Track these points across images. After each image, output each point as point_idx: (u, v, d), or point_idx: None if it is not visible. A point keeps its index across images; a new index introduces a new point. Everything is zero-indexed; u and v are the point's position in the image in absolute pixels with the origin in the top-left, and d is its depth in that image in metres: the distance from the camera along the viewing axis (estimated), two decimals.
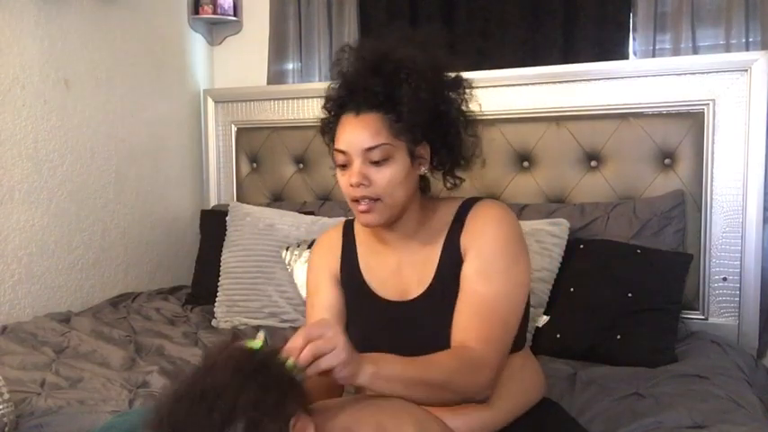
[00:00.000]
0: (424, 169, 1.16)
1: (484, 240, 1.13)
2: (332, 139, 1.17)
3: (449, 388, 1.02)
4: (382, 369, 0.96)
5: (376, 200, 1.10)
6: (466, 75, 1.18)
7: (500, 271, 1.11)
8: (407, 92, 1.08)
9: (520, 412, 1.14)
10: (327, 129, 1.19)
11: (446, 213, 1.19)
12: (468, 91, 1.17)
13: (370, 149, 1.09)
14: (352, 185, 1.10)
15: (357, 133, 1.10)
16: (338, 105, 1.15)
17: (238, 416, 0.78)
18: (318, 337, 0.89)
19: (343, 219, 1.36)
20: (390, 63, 1.09)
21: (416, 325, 1.15)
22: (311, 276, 1.28)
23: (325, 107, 1.20)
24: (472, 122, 1.18)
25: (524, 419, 1.14)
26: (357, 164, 1.10)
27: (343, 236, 1.28)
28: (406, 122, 1.09)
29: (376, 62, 1.10)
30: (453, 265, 1.14)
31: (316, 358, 0.88)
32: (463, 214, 1.17)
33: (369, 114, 1.10)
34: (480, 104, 1.20)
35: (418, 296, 1.16)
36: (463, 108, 1.17)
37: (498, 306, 1.09)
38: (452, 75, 1.16)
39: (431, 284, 1.15)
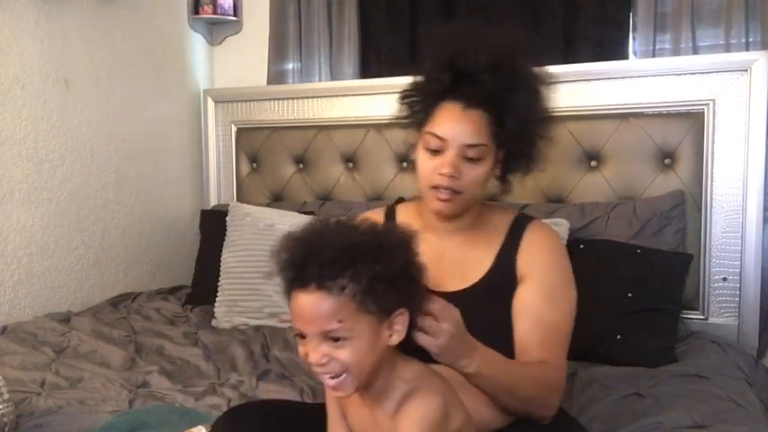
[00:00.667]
0: (497, 172, 1.19)
1: (547, 269, 1.17)
2: (419, 119, 1.17)
3: (531, 402, 1.09)
4: (484, 369, 1.01)
5: (458, 192, 1.13)
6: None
7: (564, 297, 1.16)
8: (519, 102, 1.10)
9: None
10: (418, 105, 1.18)
11: (501, 223, 1.22)
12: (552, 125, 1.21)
13: (469, 146, 1.11)
14: (442, 174, 1.11)
15: (462, 127, 1.11)
16: (441, 89, 1.14)
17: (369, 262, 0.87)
18: (432, 312, 0.93)
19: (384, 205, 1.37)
20: (508, 67, 1.10)
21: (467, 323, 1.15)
22: None
23: (420, 85, 1.19)
24: (549, 121, 1.20)
25: (526, 419, 1.14)
26: (452, 155, 1.11)
27: (386, 220, 1.27)
28: (507, 129, 1.11)
29: (494, 62, 1.10)
30: (506, 279, 1.17)
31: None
32: (518, 232, 1.20)
33: (476, 111, 1.11)
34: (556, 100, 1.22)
35: (458, 291, 1.16)
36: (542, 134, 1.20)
37: (564, 331, 1.15)
38: (548, 82, 1.18)
39: (475, 285, 1.17)
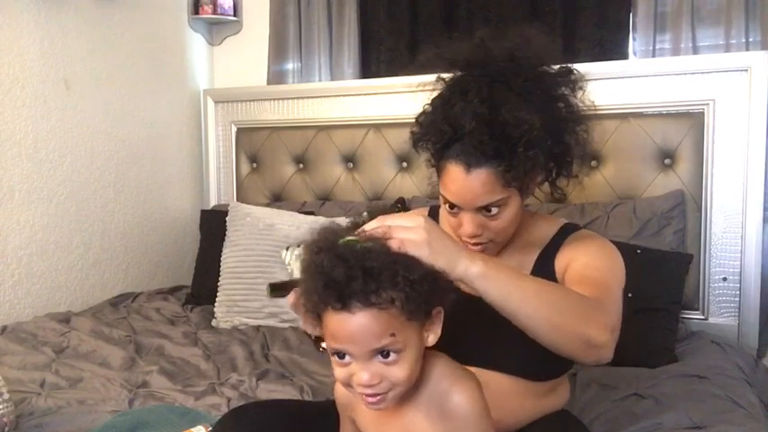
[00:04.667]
0: (533, 193, 1.13)
1: (587, 248, 1.10)
2: (431, 163, 1.12)
3: (570, 310, 0.93)
4: (492, 267, 0.89)
5: (489, 242, 1.09)
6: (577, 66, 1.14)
7: (606, 267, 1.07)
8: (522, 154, 1.01)
9: (535, 419, 1.13)
10: (428, 153, 1.12)
11: (548, 229, 1.17)
12: (580, 86, 1.12)
13: (486, 206, 1.05)
14: (465, 236, 1.07)
15: (471, 191, 1.04)
16: (443, 145, 1.06)
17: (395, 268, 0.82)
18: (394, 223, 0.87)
19: (427, 207, 1.30)
20: (506, 123, 1.01)
21: (496, 323, 1.00)
22: None
23: (426, 128, 1.11)
24: (583, 119, 1.14)
25: (536, 424, 1.13)
26: (468, 218, 1.06)
27: None
28: (519, 173, 1.03)
29: (490, 117, 1.01)
30: (545, 278, 1.05)
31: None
32: (561, 238, 1.15)
33: (481, 170, 1.02)
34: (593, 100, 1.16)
35: None
36: (574, 108, 1.12)
37: (611, 285, 1.04)
38: (564, 79, 1.11)
39: None
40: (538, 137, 1.03)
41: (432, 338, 0.88)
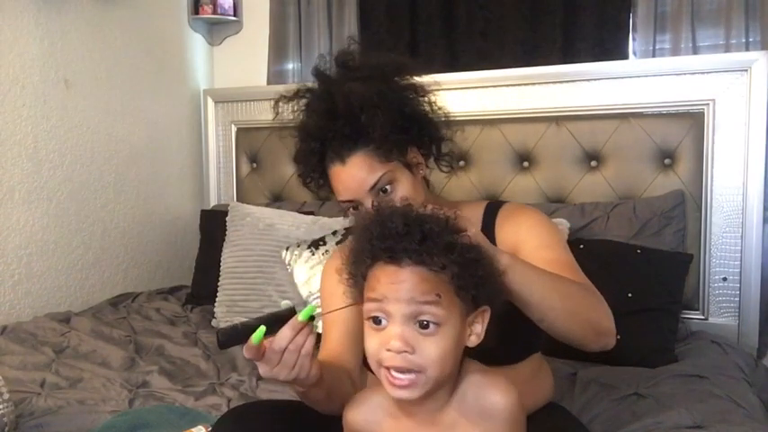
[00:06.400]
0: (423, 171, 1.17)
1: (528, 226, 1.12)
2: (327, 189, 1.20)
3: (581, 299, 0.98)
4: (517, 261, 0.93)
5: None
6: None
7: (557, 243, 1.11)
8: (369, 120, 1.09)
9: (528, 413, 1.13)
10: (317, 182, 1.21)
11: (473, 211, 1.18)
12: (431, 92, 1.18)
13: (374, 186, 1.10)
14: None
15: (354, 178, 1.11)
16: (317, 161, 1.16)
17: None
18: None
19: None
20: (341, 102, 1.10)
21: None
22: (325, 284, 1.22)
23: (301, 164, 1.22)
24: (425, 90, 1.18)
25: (530, 420, 1.13)
26: (368, 202, 1.11)
27: None
28: (386, 145, 1.10)
29: (329, 108, 1.12)
30: None
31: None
32: (491, 219, 1.16)
33: (354, 156, 1.11)
34: (444, 105, 1.20)
35: None
36: (429, 108, 1.18)
37: (575, 267, 1.08)
38: (409, 79, 1.17)
39: None
40: (380, 104, 1.09)
41: (473, 339, 0.86)
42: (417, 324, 0.81)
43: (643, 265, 1.81)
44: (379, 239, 0.82)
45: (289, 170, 2.60)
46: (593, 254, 1.87)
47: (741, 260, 1.94)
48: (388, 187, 1.11)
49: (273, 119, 1.22)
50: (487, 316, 0.86)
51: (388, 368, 0.82)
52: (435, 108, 1.19)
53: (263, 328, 0.84)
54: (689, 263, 1.87)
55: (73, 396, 1.52)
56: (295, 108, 1.21)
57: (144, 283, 2.55)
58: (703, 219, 1.98)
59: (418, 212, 0.84)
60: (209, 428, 0.95)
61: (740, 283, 1.95)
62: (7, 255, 2.06)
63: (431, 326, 0.80)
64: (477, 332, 0.86)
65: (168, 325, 2.13)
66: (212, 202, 2.74)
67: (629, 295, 1.76)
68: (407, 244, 0.80)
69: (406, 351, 0.80)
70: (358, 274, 0.86)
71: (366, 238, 0.84)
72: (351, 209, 1.15)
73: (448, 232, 0.82)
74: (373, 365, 0.86)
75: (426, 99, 1.18)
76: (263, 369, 0.88)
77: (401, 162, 1.13)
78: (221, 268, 2.25)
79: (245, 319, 0.88)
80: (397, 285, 0.80)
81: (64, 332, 1.95)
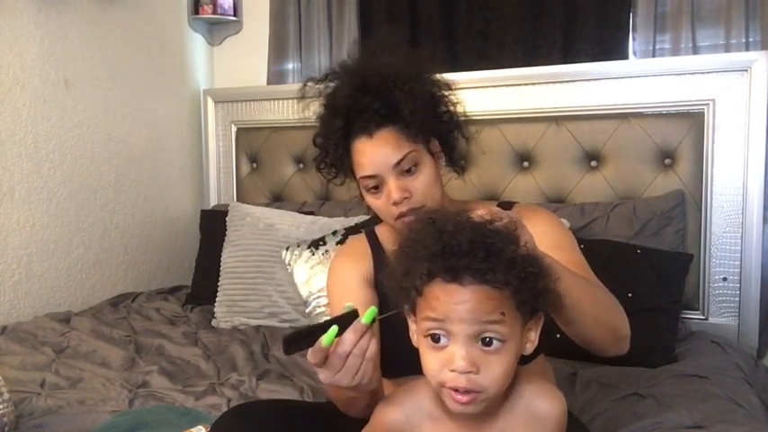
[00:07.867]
0: (442, 162, 1.18)
1: (540, 227, 1.09)
2: (345, 170, 1.16)
3: (605, 304, 0.99)
4: (554, 260, 0.90)
5: (419, 208, 1.09)
6: (452, 76, 1.20)
7: (570, 244, 1.13)
8: (402, 97, 1.08)
9: None
10: (336, 162, 1.16)
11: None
12: (454, 93, 1.18)
13: (399, 162, 1.09)
14: (395, 203, 1.09)
15: (380, 152, 1.09)
16: (342, 136, 1.13)
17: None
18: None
19: (342, 218, 1.34)
20: (374, 78, 1.10)
21: None
22: (337, 281, 1.19)
23: (323, 143, 1.17)
24: (463, 123, 1.19)
25: None
26: (392, 180, 1.09)
27: (370, 243, 1.23)
28: (415, 124, 1.09)
29: (361, 82, 1.10)
30: None
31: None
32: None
33: (382, 131, 1.09)
34: (464, 106, 1.21)
35: None
36: (452, 109, 1.18)
37: (587, 269, 1.08)
38: (436, 75, 1.17)
39: None
40: (415, 82, 1.09)
41: (529, 346, 0.84)
42: (480, 342, 0.79)
43: (643, 265, 1.81)
44: (440, 257, 0.78)
45: (289, 170, 2.60)
46: (593, 254, 1.85)
47: (741, 260, 1.94)
48: (412, 168, 1.10)
49: (299, 102, 1.19)
50: (542, 322, 0.85)
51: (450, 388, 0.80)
52: (458, 107, 1.19)
53: (335, 328, 0.82)
54: (689, 263, 1.87)
55: (73, 396, 1.52)
56: (321, 91, 1.17)
57: (144, 284, 2.55)
58: (703, 219, 1.98)
59: (481, 226, 0.80)
60: (209, 428, 0.94)
61: (740, 283, 1.95)
62: (7, 255, 2.06)
63: (494, 342, 0.79)
64: (531, 339, 0.85)
65: (168, 325, 2.13)
66: (212, 202, 2.74)
67: (629, 295, 1.76)
68: (470, 262, 0.77)
69: (470, 372, 0.78)
70: (410, 288, 0.82)
71: (424, 254, 0.80)
72: (371, 188, 1.12)
73: (509, 246, 0.80)
74: (434, 384, 0.83)
75: (452, 97, 1.18)
76: (324, 375, 0.85)
77: (425, 147, 1.13)
78: (221, 268, 2.25)
79: (309, 324, 0.86)
80: (461, 306, 0.78)
81: (64, 332, 1.95)
